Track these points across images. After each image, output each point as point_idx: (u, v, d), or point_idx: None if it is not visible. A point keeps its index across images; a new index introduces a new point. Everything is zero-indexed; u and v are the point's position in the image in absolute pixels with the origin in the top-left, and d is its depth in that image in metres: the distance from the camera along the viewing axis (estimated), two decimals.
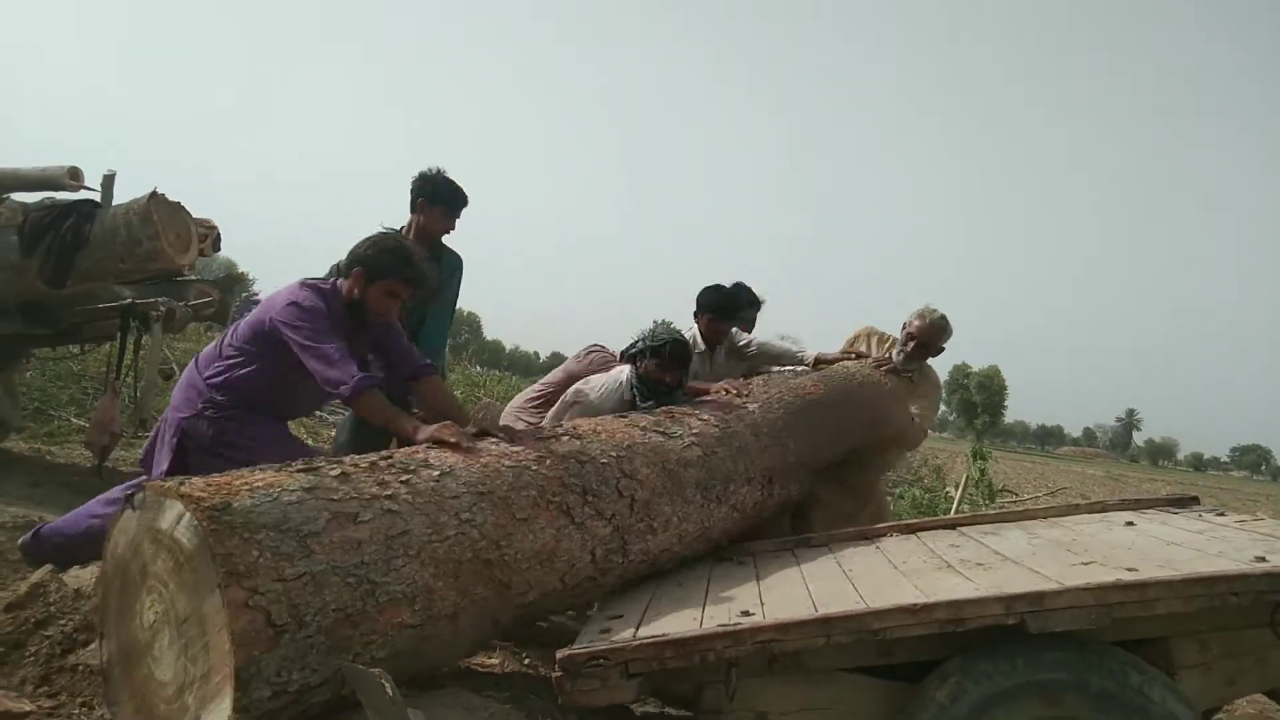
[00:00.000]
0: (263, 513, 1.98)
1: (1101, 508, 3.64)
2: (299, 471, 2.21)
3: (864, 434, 4.21)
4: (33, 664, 2.75)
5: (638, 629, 2.39)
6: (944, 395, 4.37)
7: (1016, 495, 13.97)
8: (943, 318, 4.45)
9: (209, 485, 2.02)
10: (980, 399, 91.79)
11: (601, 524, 2.72)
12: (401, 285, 3.25)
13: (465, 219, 4.40)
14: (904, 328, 4.51)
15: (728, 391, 3.90)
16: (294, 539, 1.98)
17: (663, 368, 3.69)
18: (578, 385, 3.95)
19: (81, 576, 3.09)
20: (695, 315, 4.42)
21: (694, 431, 3.34)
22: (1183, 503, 3.58)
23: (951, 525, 3.60)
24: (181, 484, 2.01)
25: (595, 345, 4.49)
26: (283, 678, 1.86)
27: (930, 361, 4.59)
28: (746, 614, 2.40)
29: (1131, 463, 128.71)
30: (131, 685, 2.08)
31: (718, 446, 3.36)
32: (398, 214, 4.42)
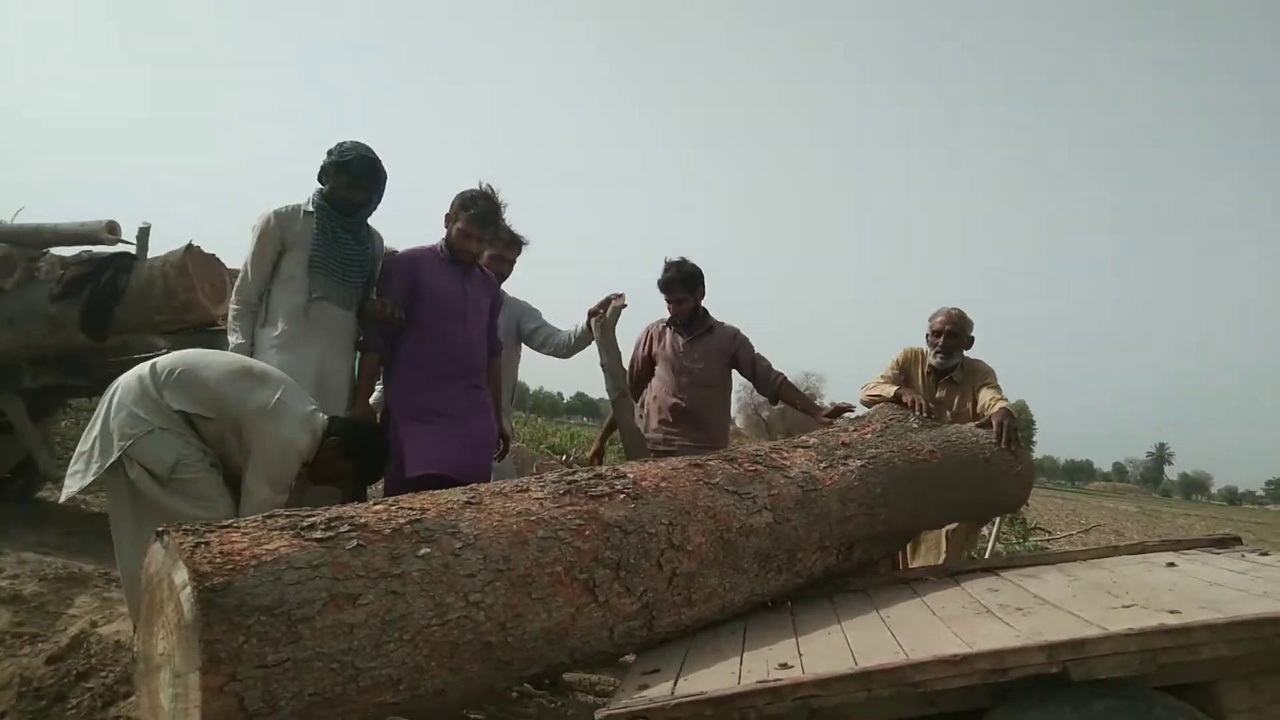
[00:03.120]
0: (261, 594, 1.97)
1: (1141, 549, 3.59)
2: (316, 539, 2.16)
3: (975, 511, 4.09)
4: (74, 716, 2.78)
5: (675, 685, 2.37)
6: (1007, 402, 4.31)
7: (1050, 533, 13.76)
8: (959, 308, 4.59)
9: (221, 555, 2.01)
10: None
11: (629, 600, 2.59)
12: (468, 224, 3.94)
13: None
14: (928, 335, 4.63)
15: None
16: (285, 623, 1.97)
17: (351, 186, 3.79)
18: None
19: (122, 630, 3.12)
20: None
21: (772, 493, 3.12)
22: (1225, 543, 3.54)
23: (990, 569, 3.56)
24: (196, 548, 2.01)
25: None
26: None
27: None
28: (785, 666, 2.38)
29: (1164, 497, 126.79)
30: (148, 688, 2.15)
31: (793, 513, 3.13)
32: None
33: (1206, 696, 2.32)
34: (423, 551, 2.27)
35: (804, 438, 3.69)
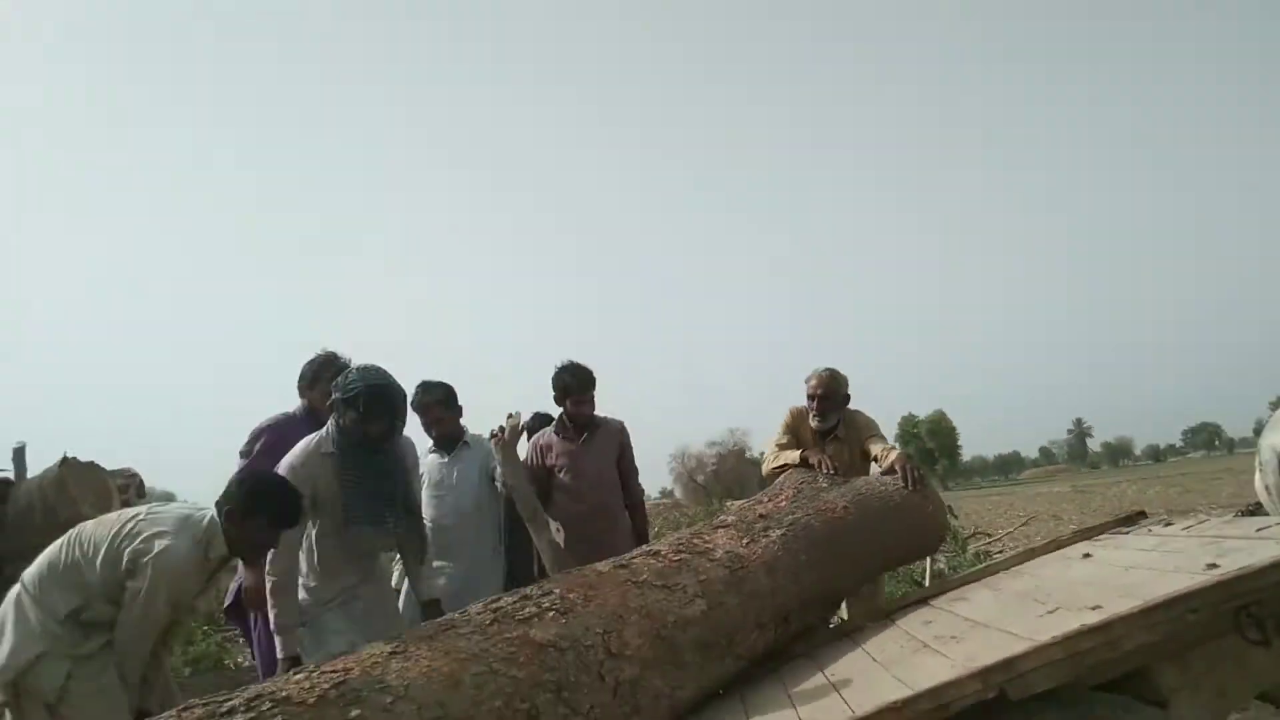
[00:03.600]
0: None
1: (1057, 545, 3.68)
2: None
3: (898, 557, 4.10)
4: None
5: None
6: (898, 448, 4.40)
7: (990, 535, 13.98)
8: (830, 369, 4.68)
9: None
10: (935, 444, 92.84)
11: None
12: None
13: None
14: (807, 397, 4.69)
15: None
16: None
17: (365, 419, 3.41)
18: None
19: None
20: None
21: (700, 579, 3.09)
22: (1131, 521, 3.65)
23: (923, 600, 3.59)
24: None
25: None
26: None
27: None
28: None
29: (1093, 469, 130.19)
30: None
31: (725, 595, 3.10)
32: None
33: (1144, 681, 2.37)
34: (353, 715, 2.15)
35: (722, 516, 3.70)
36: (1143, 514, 3.71)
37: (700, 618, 2.96)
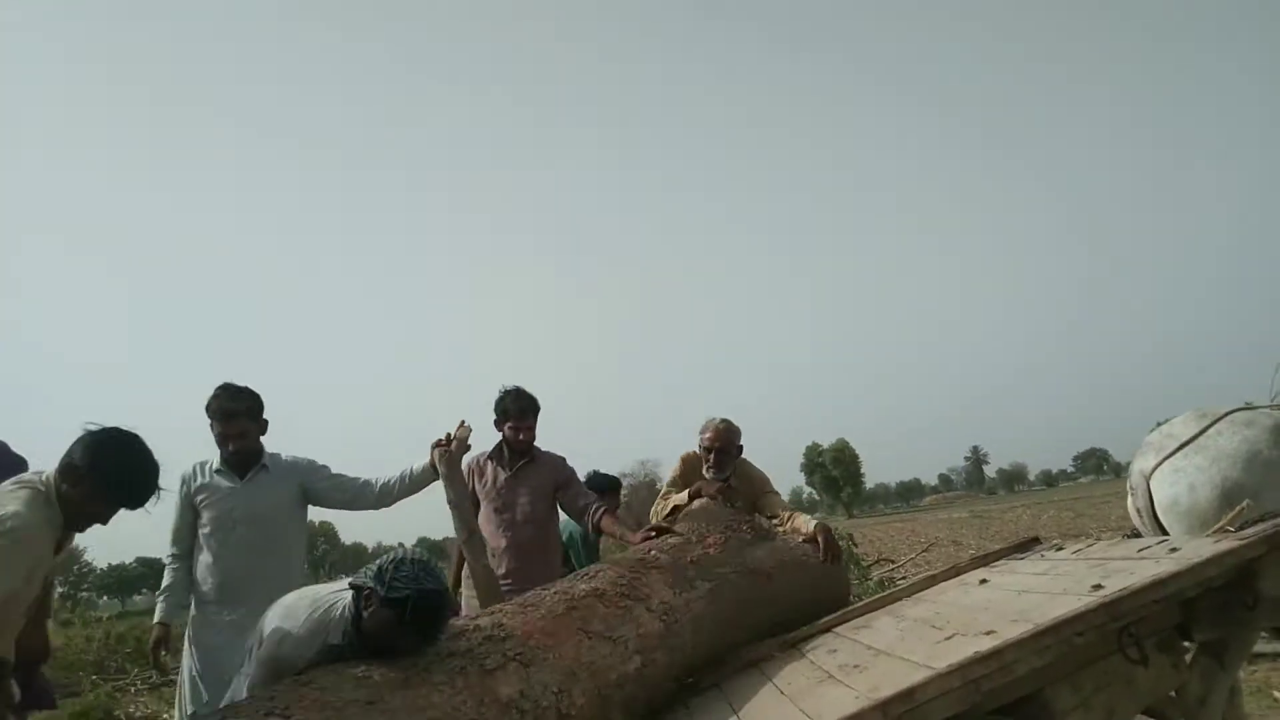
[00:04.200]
0: None
1: (956, 571, 3.78)
2: None
3: (803, 618, 4.11)
4: None
5: None
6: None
7: (894, 562, 14.27)
8: (725, 420, 4.66)
9: None
10: (838, 472, 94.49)
11: None
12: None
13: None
14: (700, 448, 4.65)
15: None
16: None
17: (398, 629, 2.58)
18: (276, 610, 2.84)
19: None
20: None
21: (640, 632, 3.03)
22: (1025, 546, 3.77)
23: (827, 628, 3.64)
24: None
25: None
26: None
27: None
28: None
29: (989, 495, 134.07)
30: None
31: (658, 651, 3.06)
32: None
33: (1038, 705, 2.44)
34: None
35: (654, 554, 3.61)
36: (1036, 540, 3.84)
37: (634, 675, 2.96)
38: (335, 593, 2.76)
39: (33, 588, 2.84)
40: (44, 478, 2.78)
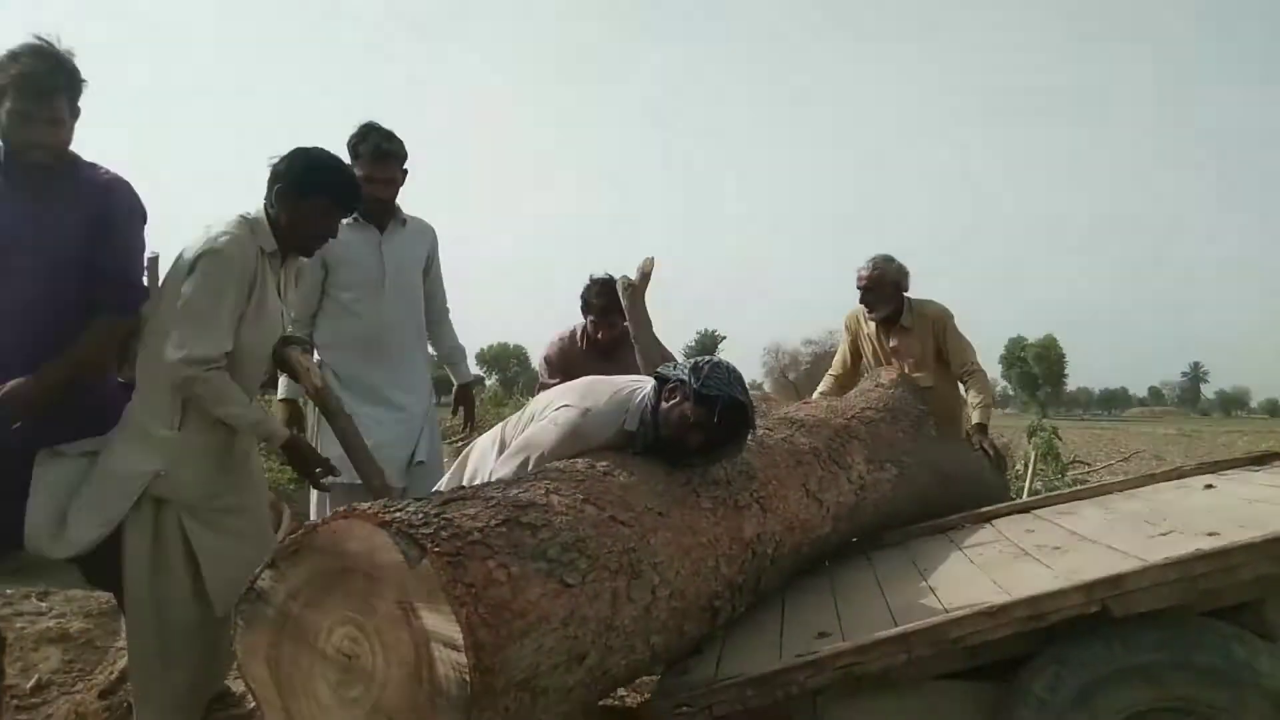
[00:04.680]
0: (520, 667, 1.67)
1: (1178, 474, 3.55)
2: (562, 583, 1.82)
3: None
4: None
5: (717, 667, 2.35)
6: (1002, 370, 4.36)
7: (1089, 465, 13.63)
8: (879, 257, 4.51)
9: (490, 612, 1.61)
10: (1040, 370, 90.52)
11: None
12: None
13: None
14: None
15: None
16: (529, 696, 1.72)
17: (700, 427, 2.47)
18: (563, 392, 2.78)
19: None
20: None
21: (839, 499, 3.09)
22: (1265, 460, 3.49)
23: (1025, 509, 3.53)
24: (466, 595, 1.59)
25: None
26: None
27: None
28: (824, 635, 2.37)
29: (1203, 417, 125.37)
30: (293, 661, 1.78)
31: (840, 522, 3.12)
32: None
33: (1256, 616, 2.28)
34: (635, 595, 2.03)
35: (854, 422, 3.55)
36: (1276, 455, 3.53)
37: (822, 540, 3.03)
38: (632, 381, 2.76)
39: (272, 324, 2.79)
40: (246, 212, 2.71)
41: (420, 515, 1.70)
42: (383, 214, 3.64)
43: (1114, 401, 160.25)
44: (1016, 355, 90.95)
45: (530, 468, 2.47)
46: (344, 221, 3.22)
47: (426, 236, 3.86)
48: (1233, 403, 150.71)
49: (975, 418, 4.39)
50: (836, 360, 4.99)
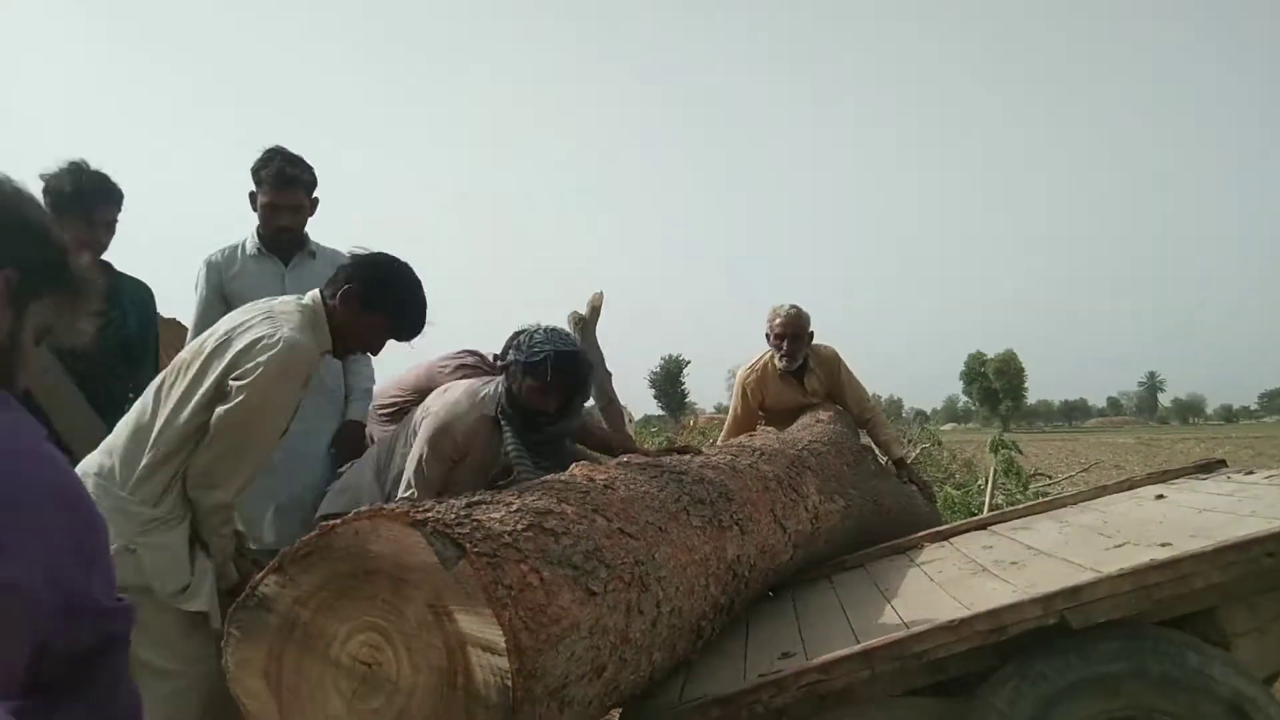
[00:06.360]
0: (553, 674, 1.64)
1: (1129, 485, 3.62)
2: (588, 590, 1.79)
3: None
4: None
5: (682, 688, 2.36)
6: (964, 385, 4.54)
7: (1050, 477, 13.77)
8: (794, 306, 4.55)
9: (530, 616, 1.58)
10: (1000, 384, 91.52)
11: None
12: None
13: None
14: (769, 337, 4.60)
15: None
16: (557, 704, 1.68)
17: (544, 390, 2.73)
18: (427, 403, 2.95)
19: None
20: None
21: (797, 529, 3.12)
22: (1210, 467, 3.56)
23: (982, 525, 3.57)
24: (505, 599, 1.55)
25: (468, 352, 3.42)
26: None
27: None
28: (787, 655, 2.38)
29: (1161, 425, 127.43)
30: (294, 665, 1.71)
31: (797, 550, 3.15)
32: None
33: (1209, 624, 2.33)
34: (644, 608, 2.04)
35: (805, 454, 3.61)
36: (1222, 462, 3.61)
37: (780, 568, 3.08)
38: (485, 380, 2.96)
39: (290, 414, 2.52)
40: (304, 301, 2.54)
41: (453, 514, 1.67)
42: (289, 244, 3.40)
43: (1074, 413, 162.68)
44: (977, 370, 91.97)
45: (421, 493, 2.67)
46: (247, 252, 3.37)
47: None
48: (1189, 410, 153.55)
49: (895, 453, 4.70)
50: (731, 422, 4.77)
